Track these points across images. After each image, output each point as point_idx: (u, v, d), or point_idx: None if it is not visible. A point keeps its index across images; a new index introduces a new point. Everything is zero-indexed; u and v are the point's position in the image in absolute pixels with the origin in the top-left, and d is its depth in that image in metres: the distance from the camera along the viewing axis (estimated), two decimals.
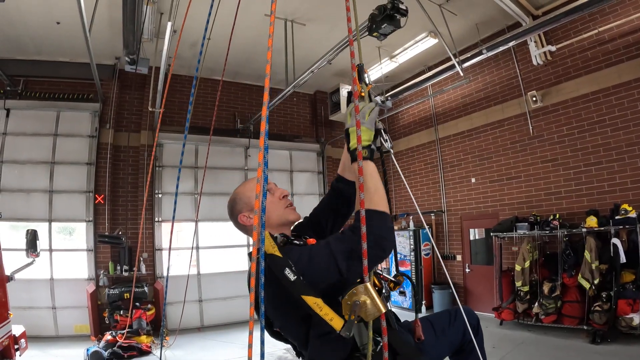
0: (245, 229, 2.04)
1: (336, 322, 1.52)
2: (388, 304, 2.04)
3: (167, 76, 10.72)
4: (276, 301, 1.69)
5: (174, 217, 3.92)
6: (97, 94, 10.06)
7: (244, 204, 1.99)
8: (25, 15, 8.33)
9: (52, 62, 10.03)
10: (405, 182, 3.80)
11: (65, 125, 10.07)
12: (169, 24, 7.32)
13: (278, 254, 1.58)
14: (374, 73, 11.26)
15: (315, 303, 1.51)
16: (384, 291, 2.01)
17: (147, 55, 8.70)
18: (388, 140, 2.05)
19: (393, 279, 2.08)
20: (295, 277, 1.53)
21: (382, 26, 6.26)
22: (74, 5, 6.21)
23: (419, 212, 3.01)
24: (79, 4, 6.08)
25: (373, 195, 1.64)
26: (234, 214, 2.03)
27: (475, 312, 2.32)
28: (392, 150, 2.12)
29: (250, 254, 1.70)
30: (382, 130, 1.95)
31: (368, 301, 1.48)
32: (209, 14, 3.63)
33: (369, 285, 1.48)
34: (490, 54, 8.36)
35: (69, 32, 8.63)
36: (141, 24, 7.62)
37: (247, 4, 8.22)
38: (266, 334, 1.79)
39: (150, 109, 9.74)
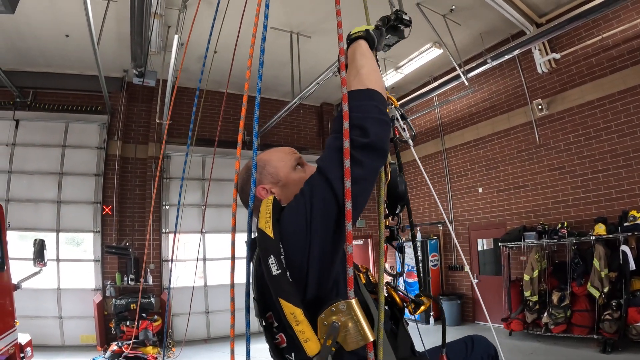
0: (257, 206, 1.43)
1: (311, 346, 1.13)
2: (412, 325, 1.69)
3: (174, 89, 10.90)
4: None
5: (176, 227, 3.93)
6: (105, 106, 10.20)
7: (268, 174, 1.55)
8: (35, 28, 8.50)
9: (61, 74, 10.22)
10: (432, 187, 3.67)
11: (74, 137, 10.23)
12: (176, 37, 7.44)
13: (270, 233, 1.20)
14: None
15: (292, 313, 1.14)
16: (406, 314, 1.65)
17: (154, 68, 8.82)
18: (406, 129, 1.80)
19: (414, 298, 1.67)
20: (279, 271, 1.16)
21: (387, 37, 6.33)
22: (82, 18, 6.35)
23: (447, 222, 2.91)
24: (87, 17, 6.21)
25: (359, 71, 1.38)
26: (248, 183, 1.53)
27: (496, 342, 2.05)
28: (411, 142, 1.85)
29: (246, 242, 1.37)
30: (398, 116, 1.73)
31: (350, 324, 1.12)
32: (212, 27, 3.69)
33: (354, 302, 1.13)
34: (495, 63, 8.38)
35: (78, 45, 8.79)
36: (149, 37, 7.74)
37: (253, 16, 8.32)
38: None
39: (157, 121, 9.85)
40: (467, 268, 5.47)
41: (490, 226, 10.19)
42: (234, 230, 1.42)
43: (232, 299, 1.43)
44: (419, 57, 10.21)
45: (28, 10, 7.73)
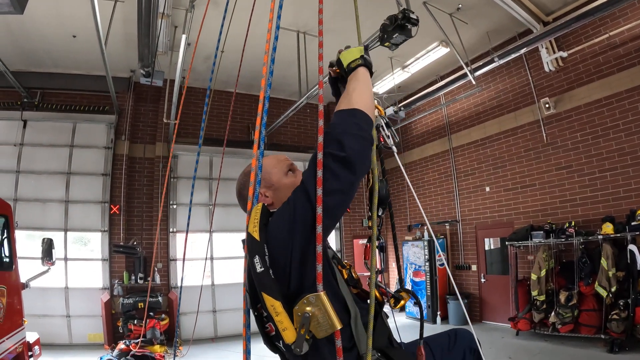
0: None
1: (288, 334, 1.27)
2: (390, 318, 1.82)
3: (182, 89, 10.95)
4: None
5: (188, 227, 3.95)
6: (112, 106, 10.27)
7: (262, 179, 1.67)
8: (42, 29, 8.56)
9: (68, 74, 10.30)
10: (415, 194, 3.73)
11: (81, 137, 10.31)
12: (184, 37, 7.46)
13: (257, 236, 1.35)
14: (387, 83, 11.31)
15: (272, 306, 1.28)
16: (386, 307, 1.81)
17: (162, 68, 8.86)
18: (391, 136, 1.91)
19: (394, 294, 1.84)
20: (263, 269, 1.30)
21: (394, 36, 6.29)
22: (89, 19, 6.38)
23: (427, 223, 2.88)
24: (94, 18, 6.25)
25: (350, 94, 1.52)
26: (245, 188, 1.70)
27: (475, 336, 2.05)
28: (394, 148, 1.93)
29: (243, 240, 1.45)
30: (383, 125, 1.85)
31: (319, 314, 1.25)
32: (221, 27, 3.70)
33: (323, 295, 1.25)
34: (501, 61, 8.35)
35: (85, 45, 8.84)
36: (156, 37, 7.77)
37: (260, 17, 8.33)
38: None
39: (165, 121, 9.89)
40: (474, 267, 5.47)
41: (498, 225, 10.15)
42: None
43: (245, 298, 1.54)
44: (426, 56, 10.19)
45: (35, 12, 7.79)
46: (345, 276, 1.66)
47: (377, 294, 1.70)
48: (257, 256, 1.32)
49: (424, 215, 2.54)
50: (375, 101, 1.85)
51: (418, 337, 1.86)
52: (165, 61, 8.98)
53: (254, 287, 1.39)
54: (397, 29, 6.65)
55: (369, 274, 1.59)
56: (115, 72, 9.72)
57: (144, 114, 10.88)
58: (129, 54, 9.31)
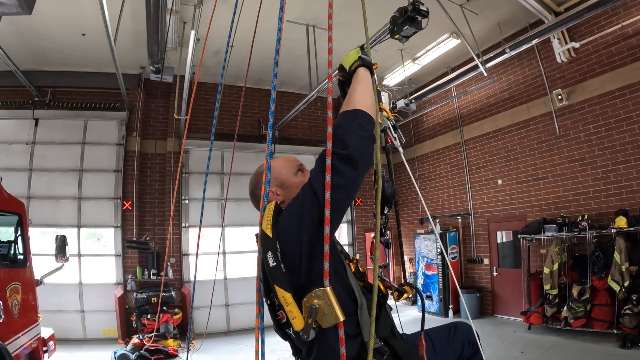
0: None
1: (297, 322, 1.41)
2: (394, 309, 1.95)
3: (192, 84, 10.97)
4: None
5: (201, 222, 3.98)
6: (123, 103, 10.32)
7: (272, 179, 1.80)
8: (52, 28, 8.63)
9: (78, 72, 10.37)
10: (418, 190, 3.71)
11: (93, 134, 10.40)
12: (192, 32, 7.46)
13: (269, 233, 1.49)
14: (397, 76, 11.24)
15: (282, 297, 1.42)
16: (389, 299, 1.89)
17: (171, 64, 8.87)
18: (397, 138, 1.96)
19: (398, 287, 1.97)
20: (275, 263, 1.45)
21: (404, 28, 6.23)
22: (98, 17, 6.40)
23: (430, 217, 2.85)
24: (103, 16, 6.26)
25: (352, 95, 1.61)
26: (257, 187, 1.84)
27: (474, 329, 2.13)
28: (401, 150, 1.98)
29: (257, 235, 1.58)
30: (390, 127, 1.90)
31: (324, 307, 1.38)
32: (232, 22, 3.68)
33: (328, 290, 1.37)
34: (513, 53, 8.22)
35: (95, 43, 8.89)
36: (165, 33, 7.78)
37: (269, 10, 8.29)
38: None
39: (176, 117, 9.92)
40: (487, 261, 5.43)
41: (510, 218, 10.06)
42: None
43: (259, 290, 1.64)
44: (436, 47, 10.10)
45: (43, 11, 7.83)
46: (353, 269, 1.77)
47: (382, 287, 1.84)
48: (269, 252, 1.47)
49: (426, 210, 2.56)
50: (383, 103, 1.94)
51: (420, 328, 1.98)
52: (175, 57, 9.00)
53: (267, 279, 1.50)
54: (407, 21, 6.58)
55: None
56: (125, 69, 9.75)
57: (155, 110, 10.91)
58: (138, 50, 9.33)
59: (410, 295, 2.08)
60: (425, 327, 1.98)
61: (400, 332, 1.90)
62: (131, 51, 9.56)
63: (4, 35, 7.88)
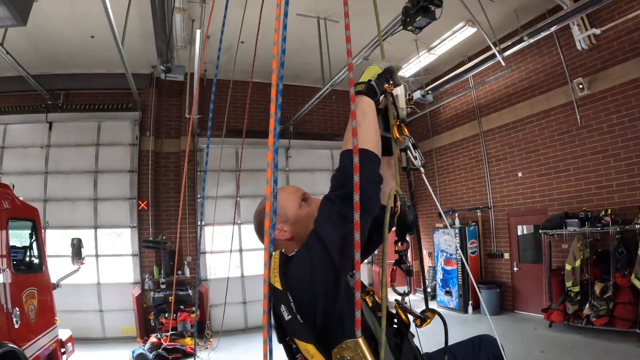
0: (276, 245, 1.72)
1: None
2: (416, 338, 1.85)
3: (202, 81, 10.89)
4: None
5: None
6: (135, 103, 10.35)
7: (277, 215, 1.70)
8: (61, 32, 8.66)
9: (90, 74, 10.43)
10: (429, 188, 3.56)
11: (107, 135, 10.48)
12: (198, 31, 7.38)
13: (279, 286, 1.43)
14: (413, 67, 10.96)
15: (305, 349, 1.37)
16: (412, 328, 1.78)
17: (182, 62, 8.81)
18: (418, 157, 1.82)
19: (420, 315, 1.81)
20: (290, 316, 1.39)
21: (417, 19, 5.97)
22: (106, 19, 6.36)
23: (442, 213, 2.70)
24: (108, 18, 6.25)
25: (357, 130, 1.47)
26: (263, 226, 1.63)
27: (499, 343, 2.06)
28: (422, 169, 1.84)
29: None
30: (410, 146, 1.77)
31: (357, 359, 1.31)
32: (223, 17, 3.58)
33: (361, 341, 1.30)
34: (531, 40, 7.82)
35: (104, 44, 8.86)
36: (173, 32, 7.73)
37: (275, 4, 8.16)
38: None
39: (187, 116, 9.89)
40: (507, 256, 5.23)
41: (531, 212, 9.77)
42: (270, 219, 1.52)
43: (266, 296, 1.54)
44: (452, 36, 9.76)
45: (52, 15, 7.87)
46: (370, 304, 1.70)
47: (403, 316, 1.74)
48: (282, 305, 1.41)
49: (439, 208, 2.39)
50: (400, 95, 1.78)
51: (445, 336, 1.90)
52: (185, 55, 8.94)
53: (281, 324, 1.45)
54: (420, 11, 6.31)
55: (396, 296, 1.72)
56: (136, 69, 9.75)
57: (168, 108, 10.93)
58: (148, 50, 9.28)
59: (429, 290, 1.92)
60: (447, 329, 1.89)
61: (422, 348, 1.87)
62: (141, 51, 9.53)
63: (14, 41, 7.92)
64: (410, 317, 1.77)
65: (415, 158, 1.79)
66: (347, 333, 1.35)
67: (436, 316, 1.78)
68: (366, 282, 12.13)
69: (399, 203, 1.58)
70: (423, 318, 1.80)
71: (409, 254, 1.76)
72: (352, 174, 1.34)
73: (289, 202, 1.74)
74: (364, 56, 8.03)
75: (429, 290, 11.23)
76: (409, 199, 1.64)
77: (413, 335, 1.78)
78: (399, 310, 1.74)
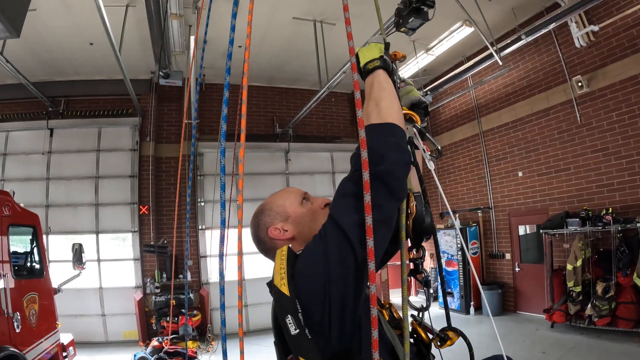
0: (273, 248, 1.49)
1: None
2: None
3: (202, 86, 10.94)
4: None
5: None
6: (135, 109, 10.42)
7: (275, 214, 1.54)
8: (60, 39, 8.76)
9: (90, 81, 10.55)
10: (440, 188, 3.51)
11: (107, 141, 10.58)
12: (192, 37, 7.44)
13: (286, 291, 1.16)
14: (411, 67, 10.94)
15: None
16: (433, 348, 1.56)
17: (180, 68, 8.88)
18: (430, 159, 1.64)
19: (440, 334, 1.56)
20: (298, 330, 1.12)
21: (410, 20, 5.97)
22: (103, 26, 6.43)
23: (450, 211, 2.58)
24: (104, 25, 6.33)
25: (379, 104, 1.33)
26: (260, 229, 1.56)
27: None
28: (432, 166, 1.64)
29: (269, 284, 1.27)
30: (418, 134, 1.57)
31: None
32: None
33: None
34: (529, 39, 7.80)
35: (103, 51, 8.94)
36: (170, 38, 7.80)
37: (275, 7, 8.21)
38: None
39: (185, 121, 9.94)
40: (508, 256, 5.18)
41: (532, 212, 9.70)
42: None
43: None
44: (450, 37, 9.73)
45: (50, 23, 7.97)
46: (387, 317, 1.53)
47: (423, 334, 1.55)
48: (289, 316, 1.14)
49: (447, 205, 2.27)
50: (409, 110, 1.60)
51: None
52: (183, 61, 8.99)
53: (281, 335, 1.27)
54: (413, 12, 6.27)
55: (414, 312, 1.51)
56: (135, 75, 9.84)
57: (168, 114, 11.01)
58: (147, 56, 9.36)
59: (432, 291, 1.75)
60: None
61: None
62: (140, 57, 9.62)
63: (14, 49, 8.05)
64: (430, 335, 1.56)
65: (424, 150, 1.61)
66: (364, 354, 1.17)
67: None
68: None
69: (413, 202, 1.38)
70: (444, 337, 1.54)
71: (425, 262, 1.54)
72: (380, 151, 1.20)
73: (288, 201, 1.56)
74: None
75: (430, 291, 11.13)
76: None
77: (434, 357, 1.59)
78: (418, 328, 1.55)
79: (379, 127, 1.27)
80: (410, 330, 1.44)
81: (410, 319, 1.45)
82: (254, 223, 1.60)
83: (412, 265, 1.52)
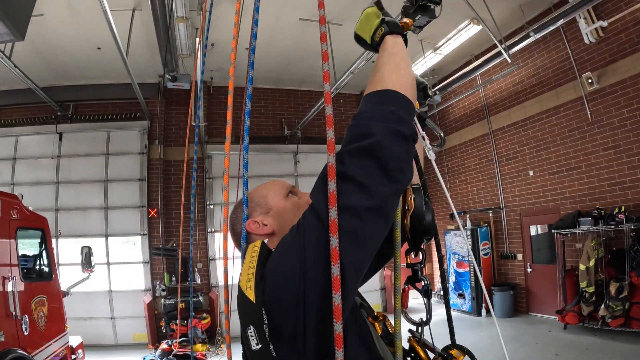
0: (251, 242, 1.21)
1: None
2: None
3: (210, 89, 10.96)
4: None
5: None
6: (143, 112, 10.48)
7: (256, 206, 1.33)
8: (68, 44, 8.85)
9: (98, 85, 10.64)
10: (445, 189, 3.41)
11: (116, 144, 10.65)
12: (197, 39, 7.45)
13: (251, 296, 0.95)
14: (419, 67, 10.86)
15: None
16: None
17: (187, 71, 8.90)
18: (431, 147, 1.47)
19: (442, 353, 1.31)
20: (260, 345, 0.91)
21: (416, 18, 5.92)
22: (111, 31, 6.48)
23: (455, 214, 2.51)
24: (111, 30, 6.36)
25: (379, 70, 1.11)
26: (237, 222, 1.38)
27: None
28: (433, 156, 1.49)
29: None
30: (418, 118, 1.36)
31: None
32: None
33: None
34: (538, 36, 7.68)
35: (110, 56, 9.00)
36: (177, 41, 7.82)
37: (281, 8, 8.20)
38: None
39: (192, 124, 9.97)
40: (520, 256, 5.07)
41: (543, 211, 9.55)
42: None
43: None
44: (457, 35, 9.62)
45: (57, 28, 8.04)
46: (379, 331, 1.28)
47: (422, 352, 1.29)
48: (251, 327, 0.94)
49: (453, 209, 2.14)
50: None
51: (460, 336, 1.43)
52: (191, 63, 9.01)
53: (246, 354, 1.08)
54: (419, 10, 6.24)
55: (411, 326, 1.29)
56: (143, 78, 9.89)
57: (176, 117, 11.05)
58: (154, 59, 9.40)
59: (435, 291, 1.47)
60: (458, 333, 1.42)
61: None
62: (148, 60, 9.67)
63: (22, 55, 8.13)
64: (430, 354, 1.30)
65: (429, 148, 1.44)
66: None
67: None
68: (378, 286, 12.04)
69: (411, 196, 1.17)
70: (447, 358, 1.30)
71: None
72: (368, 121, 1.01)
73: (271, 192, 1.36)
74: (366, 58, 7.98)
75: (440, 293, 11.03)
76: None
77: None
78: (416, 346, 1.30)
79: (372, 95, 1.07)
80: (407, 348, 1.27)
81: (408, 336, 1.26)
82: (232, 216, 1.43)
83: (409, 272, 1.29)
